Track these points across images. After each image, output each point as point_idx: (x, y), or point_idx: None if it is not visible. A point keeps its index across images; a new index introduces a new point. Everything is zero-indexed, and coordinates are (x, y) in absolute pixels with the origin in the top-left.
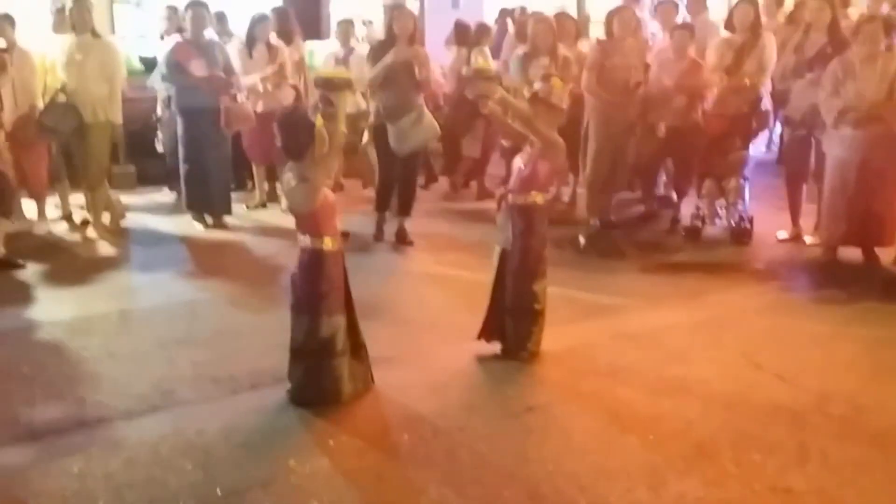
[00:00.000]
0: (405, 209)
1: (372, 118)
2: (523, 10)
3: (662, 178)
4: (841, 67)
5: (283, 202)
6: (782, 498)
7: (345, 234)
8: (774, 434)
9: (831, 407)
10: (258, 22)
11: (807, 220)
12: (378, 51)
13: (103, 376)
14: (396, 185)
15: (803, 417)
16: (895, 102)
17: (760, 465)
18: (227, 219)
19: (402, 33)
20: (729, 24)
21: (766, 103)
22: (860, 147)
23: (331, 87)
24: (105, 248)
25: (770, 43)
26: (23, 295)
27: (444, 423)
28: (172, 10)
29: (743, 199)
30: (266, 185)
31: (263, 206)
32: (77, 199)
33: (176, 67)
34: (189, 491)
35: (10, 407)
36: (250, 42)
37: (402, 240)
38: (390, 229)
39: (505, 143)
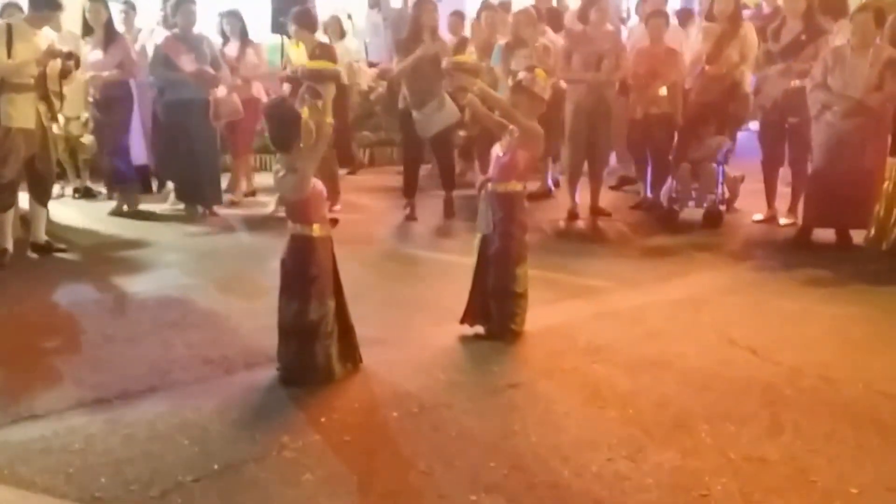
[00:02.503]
0: (449, 184)
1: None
2: (504, 3)
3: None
4: (832, 56)
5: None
6: (756, 466)
7: (334, 221)
8: (748, 406)
9: (803, 380)
10: (226, 17)
11: (781, 202)
12: (406, 43)
13: (101, 359)
14: (418, 169)
15: (776, 390)
16: (880, 94)
17: (735, 435)
18: (217, 208)
19: (428, 24)
20: (709, 15)
21: (748, 89)
22: (846, 134)
23: (318, 78)
24: (100, 238)
25: (751, 32)
26: (18, 282)
27: (430, 400)
28: (98, 4)
29: (717, 184)
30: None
31: (253, 194)
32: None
33: (166, 62)
34: (186, 465)
35: (11, 389)
36: (223, 38)
37: (449, 213)
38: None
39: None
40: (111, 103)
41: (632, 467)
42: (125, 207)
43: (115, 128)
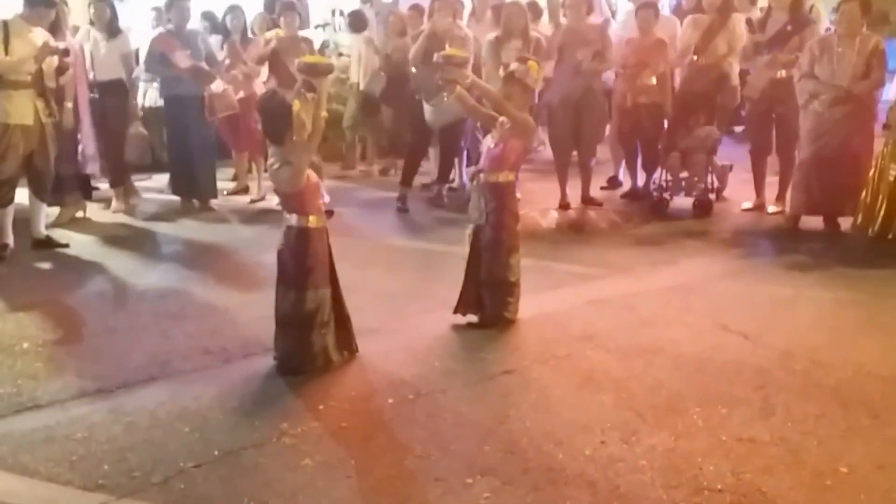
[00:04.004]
0: (444, 177)
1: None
2: None
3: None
4: (819, 45)
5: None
6: (747, 447)
7: (329, 213)
8: (740, 389)
9: (794, 364)
10: (228, 13)
11: (769, 191)
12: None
13: (102, 350)
14: (421, 160)
15: (767, 374)
16: (867, 82)
17: (727, 417)
18: (213, 202)
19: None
20: (698, 7)
21: (734, 80)
22: (833, 123)
23: (313, 72)
24: (98, 233)
25: (740, 23)
26: (21, 277)
27: (426, 387)
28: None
29: (706, 174)
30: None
31: (246, 191)
32: None
33: (161, 58)
34: (187, 452)
35: (13, 380)
36: (224, 33)
37: (438, 203)
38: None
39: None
40: None
41: (625, 450)
42: (68, 217)
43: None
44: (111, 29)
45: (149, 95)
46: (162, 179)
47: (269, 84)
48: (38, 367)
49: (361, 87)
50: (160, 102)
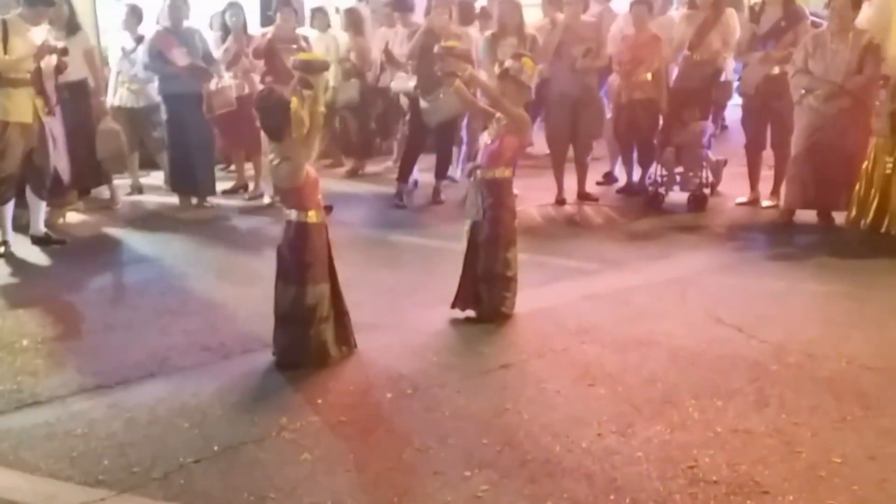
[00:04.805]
0: (441, 172)
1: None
2: None
3: None
4: (812, 41)
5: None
6: (742, 439)
7: (328, 208)
8: (735, 382)
9: (788, 356)
10: (228, 10)
11: (764, 185)
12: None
13: (102, 346)
14: (418, 156)
15: (762, 366)
16: (860, 77)
17: (722, 409)
18: (211, 199)
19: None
20: (692, 2)
21: (729, 75)
22: (827, 118)
23: (309, 69)
24: (97, 230)
25: (733, 18)
26: (20, 273)
27: (423, 382)
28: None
29: (701, 169)
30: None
31: (245, 189)
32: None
33: (158, 56)
34: (187, 447)
35: (13, 376)
36: (224, 30)
37: (436, 199)
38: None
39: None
40: None
41: (622, 442)
42: (61, 219)
43: None
44: (71, 27)
45: (119, 94)
46: (159, 176)
47: (266, 80)
48: (38, 363)
49: (332, 83)
50: (131, 103)
